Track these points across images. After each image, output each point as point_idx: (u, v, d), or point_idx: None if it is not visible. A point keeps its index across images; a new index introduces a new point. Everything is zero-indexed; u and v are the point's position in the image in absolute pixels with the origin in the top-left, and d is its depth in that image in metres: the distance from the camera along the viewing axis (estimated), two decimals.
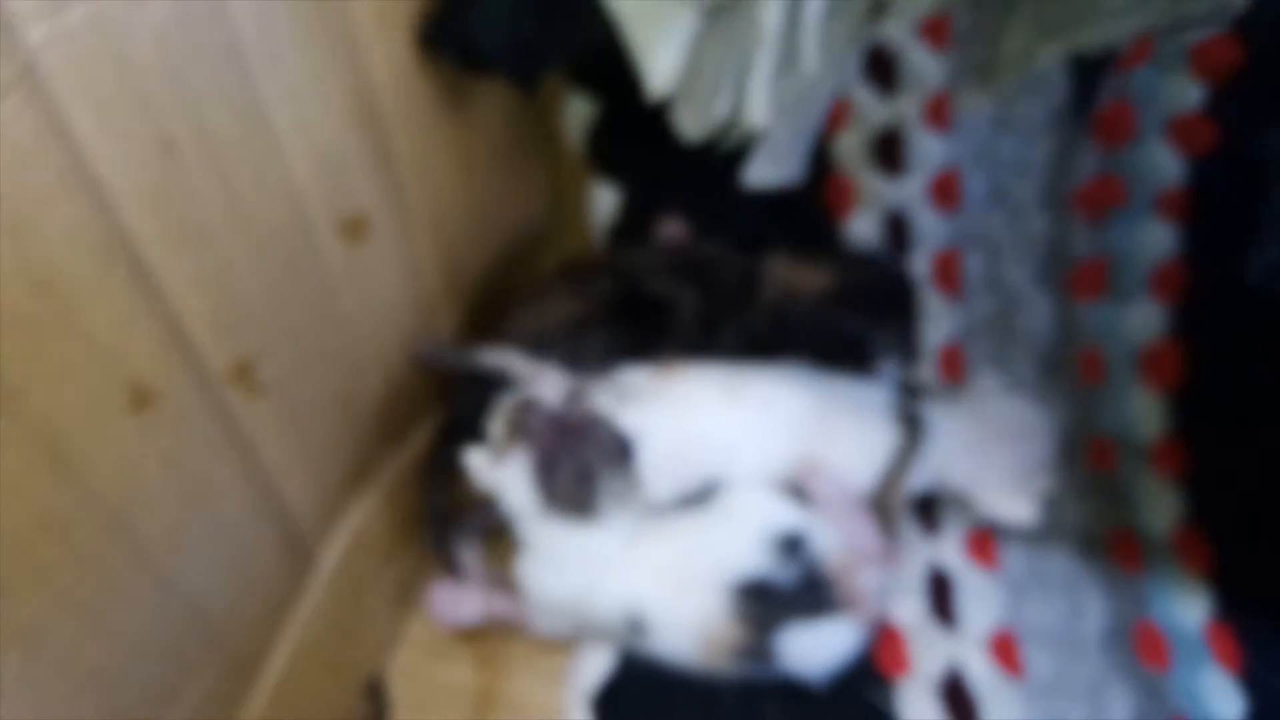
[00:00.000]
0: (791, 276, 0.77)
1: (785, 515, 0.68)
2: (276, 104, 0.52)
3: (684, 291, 0.77)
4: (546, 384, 0.66)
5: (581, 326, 0.76)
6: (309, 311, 0.60)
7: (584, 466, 0.63)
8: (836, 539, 0.67)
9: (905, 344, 0.79)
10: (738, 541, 0.66)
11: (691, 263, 0.79)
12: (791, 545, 0.65)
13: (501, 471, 0.66)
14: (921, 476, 0.73)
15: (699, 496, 0.70)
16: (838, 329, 0.77)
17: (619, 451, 0.64)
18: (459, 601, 0.78)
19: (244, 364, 0.55)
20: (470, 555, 0.79)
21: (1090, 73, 0.76)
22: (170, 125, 0.45)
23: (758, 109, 0.57)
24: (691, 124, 0.60)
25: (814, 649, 0.66)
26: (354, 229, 0.62)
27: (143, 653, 0.52)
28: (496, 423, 0.67)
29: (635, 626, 0.67)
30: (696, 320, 0.77)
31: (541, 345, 0.75)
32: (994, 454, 0.74)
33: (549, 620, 0.73)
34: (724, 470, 0.70)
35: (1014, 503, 0.74)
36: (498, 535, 0.76)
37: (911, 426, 0.71)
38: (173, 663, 0.55)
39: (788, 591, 0.64)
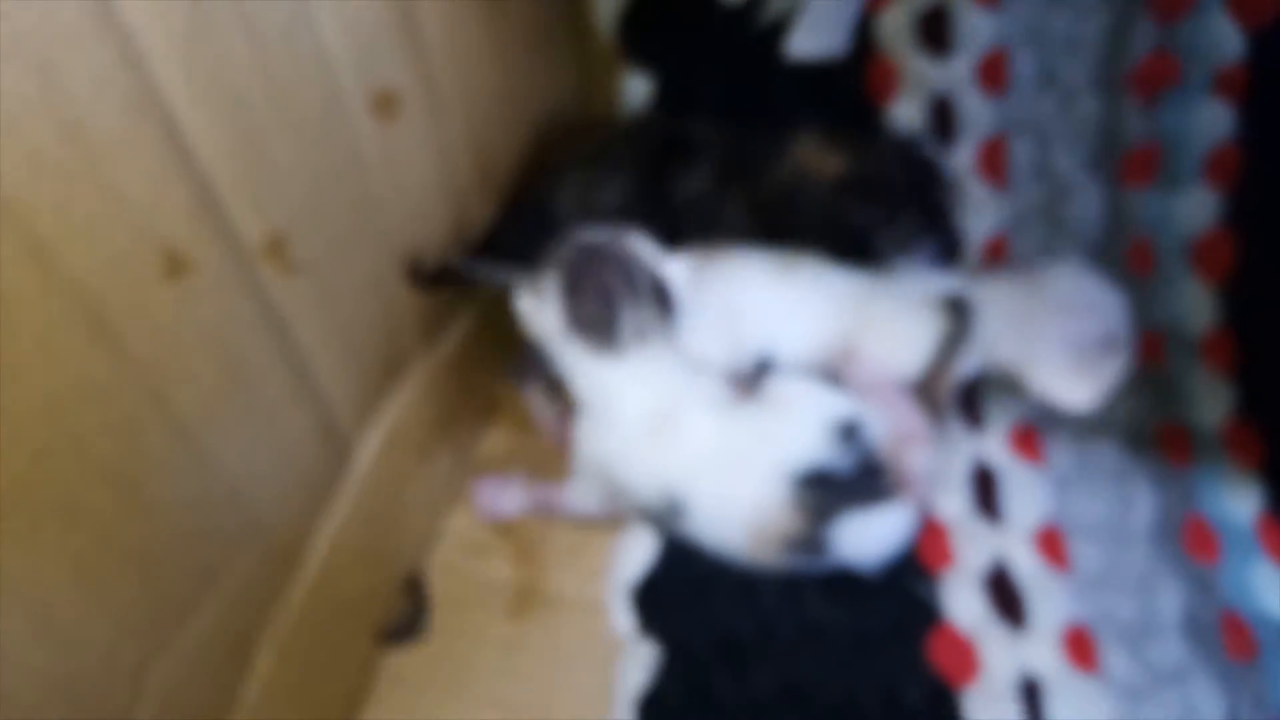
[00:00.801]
0: (808, 159, 0.74)
1: (840, 403, 0.66)
2: None
3: (706, 140, 0.76)
4: (592, 231, 0.64)
5: (606, 154, 0.77)
6: (342, 191, 0.59)
7: (606, 286, 0.62)
8: (883, 423, 0.65)
9: (925, 238, 0.75)
10: (797, 430, 0.64)
11: (721, 132, 0.77)
12: (849, 432, 0.64)
13: (542, 310, 0.64)
14: (970, 360, 0.69)
15: (752, 379, 0.68)
16: (844, 219, 0.73)
17: (653, 288, 0.63)
18: (502, 494, 0.78)
19: (277, 239, 0.53)
20: (537, 395, 0.80)
21: None
22: None
23: None
24: None
25: (868, 537, 0.65)
26: (385, 105, 0.60)
27: (181, 530, 0.51)
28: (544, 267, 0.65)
29: (673, 508, 0.65)
30: (710, 172, 0.75)
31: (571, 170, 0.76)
32: (1047, 328, 0.67)
33: (589, 488, 0.71)
34: (773, 346, 0.69)
35: (1071, 383, 0.67)
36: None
37: (958, 314, 0.68)
38: (212, 544, 0.54)
39: (846, 479, 0.63)
